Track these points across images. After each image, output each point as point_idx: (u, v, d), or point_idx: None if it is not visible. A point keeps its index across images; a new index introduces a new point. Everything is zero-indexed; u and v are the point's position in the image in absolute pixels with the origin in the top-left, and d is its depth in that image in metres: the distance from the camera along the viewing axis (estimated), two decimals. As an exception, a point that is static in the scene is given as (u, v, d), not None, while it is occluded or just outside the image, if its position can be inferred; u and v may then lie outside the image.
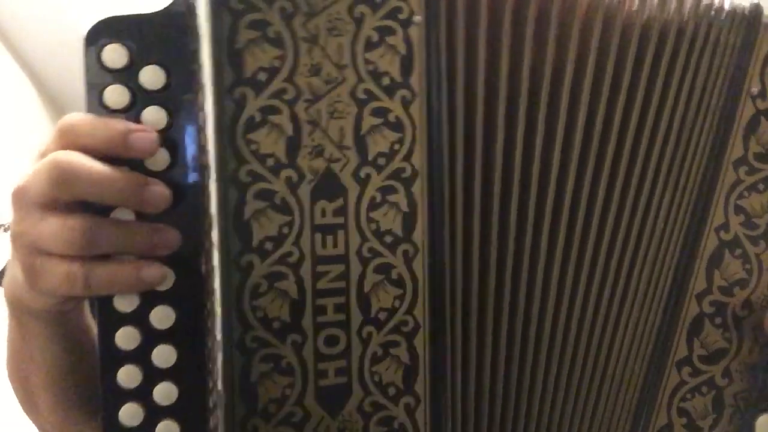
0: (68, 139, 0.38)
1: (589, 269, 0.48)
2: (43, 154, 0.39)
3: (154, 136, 0.39)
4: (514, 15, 0.44)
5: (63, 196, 0.37)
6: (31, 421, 0.53)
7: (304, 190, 0.39)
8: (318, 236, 0.40)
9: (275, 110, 0.38)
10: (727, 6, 0.48)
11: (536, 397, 0.49)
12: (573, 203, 0.47)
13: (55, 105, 2.84)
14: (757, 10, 0.49)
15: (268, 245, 0.39)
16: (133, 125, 0.39)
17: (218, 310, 0.39)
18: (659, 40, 0.47)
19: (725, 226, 0.49)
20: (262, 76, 0.38)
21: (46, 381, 0.47)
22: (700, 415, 0.50)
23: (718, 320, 0.49)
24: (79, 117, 0.40)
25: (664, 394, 0.50)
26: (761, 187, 0.49)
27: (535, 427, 0.50)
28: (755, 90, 0.49)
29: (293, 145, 0.39)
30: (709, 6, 0.48)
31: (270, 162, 0.38)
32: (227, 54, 0.38)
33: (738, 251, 0.49)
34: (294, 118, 0.39)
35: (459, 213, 0.44)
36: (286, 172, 0.39)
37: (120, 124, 0.39)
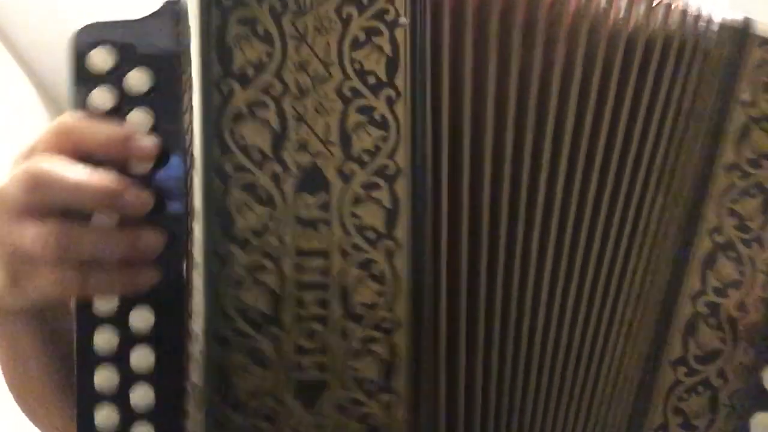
0: (64, 139, 0.39)
1: (581, 269, 0.49)
2: (32, 152, 0.40)
3: (155, 141, 0.40)
4: (501, 19, 0.45)
5: (37, 202, 0.37)
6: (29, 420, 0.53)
7: (289, 184, 0.40)
8: (300, 230, 0.40)
9: (262, 104, 0.39)
10: (715, 18, 0.49)
11: (529, 395, 0.49)
12: (563, 205, 0.48)
13: (55, 105, 2.85)
14: (746, 22, 0.50)
15: (251, 237, 0.39)
16: (132, 130, 0.40)
17: (198, 301, 0.39)
18: (646, 48, 0.48)
19: (719, 229, 0.50)
20: (250, 71, 0.39)
21: (33, 383, 0.48)
22: (695, 414, 0.50)
23: (712, 321, 0.50)
24: (78, 118, 0.40)
25: (660, 394, 0.50)
26: (754, 191, 0.50)
27: (529, 427, 0.50)
28: (746, 98, 0.50)
29: (278, 139, 0.39)
30: (697, 17, 0.49)
31: (255, 155, 0.39)
32: (216, 48, 0.38)
33: (732, 254, 0.50)
34: (280, 113, 0.39)
35: (444, 212, 0.45)
36: (270, 166, 0.39)
37: (121, 129, 0.40)
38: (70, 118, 0.40)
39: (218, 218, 0.38)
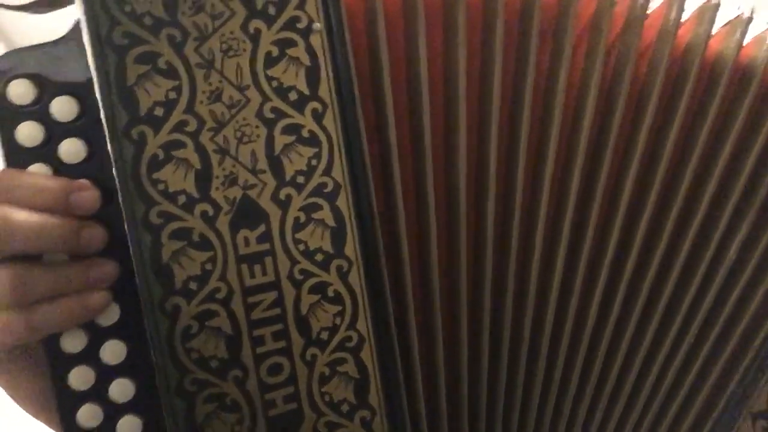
0: (3, 198, 0.36)
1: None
2: None
3: (94, 193, 0.37)
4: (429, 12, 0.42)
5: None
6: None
7: (223, 222, 0.38)
8: (245, 267, 0.38)
9: (179, 144, 0.37)
10: None
11: (516, 398, 0.49)
12: (532, 206, 0.47)
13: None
14: None
15: (193, 285, 0.37)
16: (71, 183, 0.37)
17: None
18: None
19: None
20: (159, 111, 0.36)
21: (32, 402, 0.46)
22: None
23: None
24: (12, 175, 0.37)
25: None
26: None
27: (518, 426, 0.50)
28: None
29: (204, 178, 0.37)
30: None
31: (181, 199, 0.37)
32: (118, 94, 0.35)
33: None
34: (200, 150, 0.37)
35: (401, 218, 0.43)
36: (200, 207, 0.37)
37: (58, 184, 0.37)
38: (1, 175, 0.38)
39: (156, 273, 0.36)
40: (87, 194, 0.38)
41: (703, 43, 0.46)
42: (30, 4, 0.44)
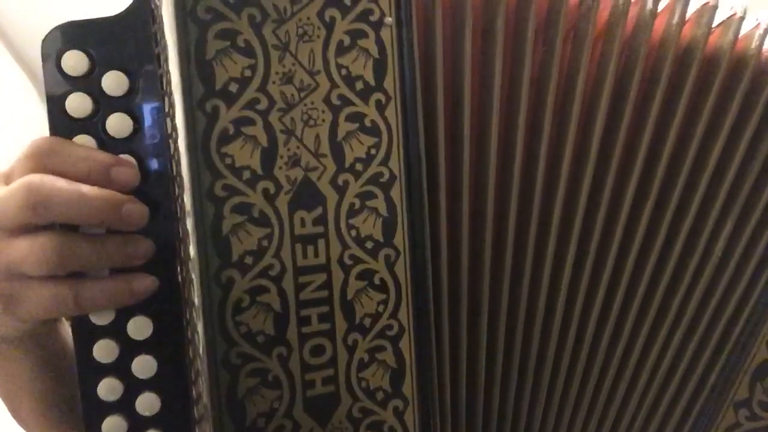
0: (44, 164, 0.37)
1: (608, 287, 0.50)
2: (9, 177, 0.38)
3: (136, 171, 0.39)
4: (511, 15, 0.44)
5: (38, 220, 0.36)
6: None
7: (282, 201, 0.39)
8: (298, 247, 0.39)
9: (249, 121, 0.37)
10: None
11: (539, 403, 0.50)
12: (589, 208, 0.48)
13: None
14: None
15: (248, 259, 0.38)
16: (114, 158, 0.38)
17: (199, 326, 0.38)
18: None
19: None
20: (234, 87, 0.37)
21: (28, 403, 0.46)
22: None
23: None
24: (57, 143, 0.38)
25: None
26: None
27: (539, 428, 0.51)
28: None
29: (269, 156, 0.38)
30: None
31: (246, 174, 0.38)
32: (196, 66, 0.36)
33: None
34: (268, 128, 0.38)
35: (443, 214, 0.44)
36: (263, 184, 0.38)
37: (102, 156, 0.38)
38: (49, 142, 0.38)
39: (215, 244, 0.37)
40: (128, 170, 0.39)
41: (701, 44, 0.47)
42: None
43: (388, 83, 0.40)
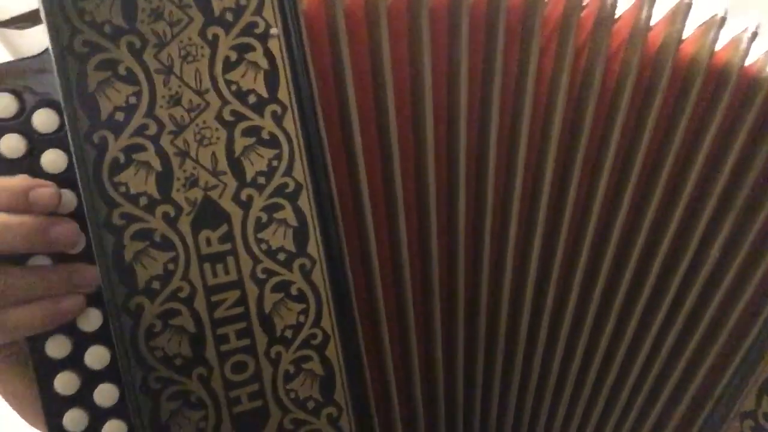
0: None
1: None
2: None
3: (54, 189, 0.38)
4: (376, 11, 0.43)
5: None
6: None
7: (184, 223, 0.39)
8: (207, 266, 0.39)
9: (139, 148, 0.38)
10: None
11: (494, 395, 0.50)
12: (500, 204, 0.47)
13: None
14: None
15: (156, 284, 0.38)
16: (32, 181, 0.38)
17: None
18: None
19: None
20: (120, 116, 0.37)
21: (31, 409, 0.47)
22: None
23: None
24: None
25: None
26: None
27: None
28: None
29: (165, 180, 0.38)
30: None
31: (143, 201, 0.38)
32: (79, 101, 0.37)
33: None
34: (161, 153, 0.38)
35: (360, 215, 0.44)
36: (162, 208, 0.38)
37: (18, 182, 0.38)
38: None
39: (118, 273, 0.37)
40: (46, 190, 0.38)
41: (675, 42, 0.46)
42: (11, 19, 0.46)
43: (282, 94, 0.40)
